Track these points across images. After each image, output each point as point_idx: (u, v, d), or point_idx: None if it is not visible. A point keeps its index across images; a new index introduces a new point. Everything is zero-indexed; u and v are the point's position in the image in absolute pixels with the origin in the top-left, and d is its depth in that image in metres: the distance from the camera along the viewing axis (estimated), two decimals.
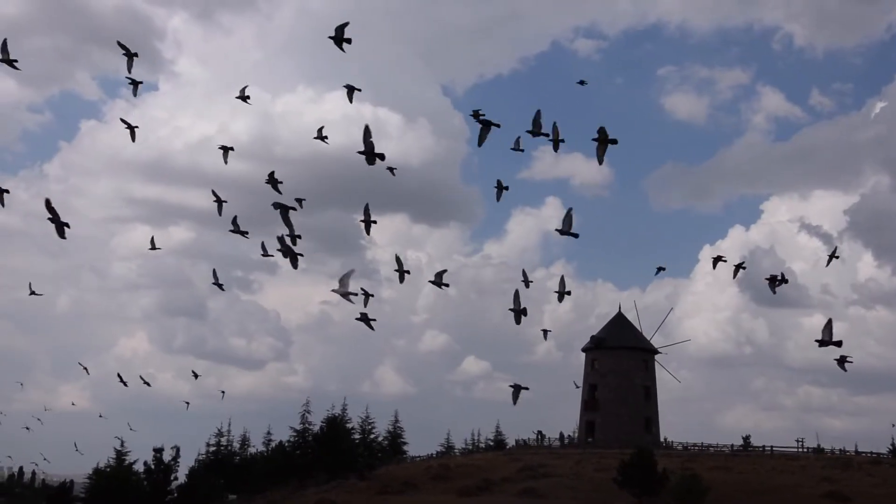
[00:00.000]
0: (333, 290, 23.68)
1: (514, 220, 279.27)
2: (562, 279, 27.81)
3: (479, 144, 24.41)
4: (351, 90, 28.80)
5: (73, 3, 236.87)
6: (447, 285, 28.23)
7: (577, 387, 73.97)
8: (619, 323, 76.55)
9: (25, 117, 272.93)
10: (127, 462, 53.80)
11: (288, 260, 26.48)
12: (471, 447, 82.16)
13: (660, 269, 40.53)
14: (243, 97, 29.85)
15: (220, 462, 67.27)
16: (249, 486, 65.88)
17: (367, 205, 25.46)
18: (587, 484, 50.83)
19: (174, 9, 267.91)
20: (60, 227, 23.81)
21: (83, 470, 69.81)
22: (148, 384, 45.44)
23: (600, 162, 22.45)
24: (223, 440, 72.83)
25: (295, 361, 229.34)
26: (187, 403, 55.69)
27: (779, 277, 29.25)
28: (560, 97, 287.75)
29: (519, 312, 26.17)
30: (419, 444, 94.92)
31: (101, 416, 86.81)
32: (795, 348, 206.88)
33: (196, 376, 42.66)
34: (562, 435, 75.26)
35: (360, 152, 23.33)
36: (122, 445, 54.69)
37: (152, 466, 52.53)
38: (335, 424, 59.93)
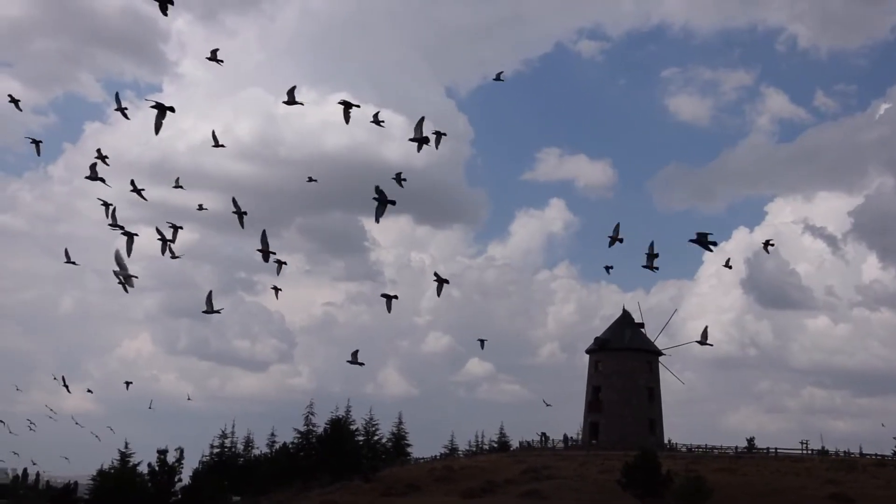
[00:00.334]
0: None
1: (518, 222, 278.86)
2: None
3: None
4: (348, 106, 28.92)
5: (77, 4, 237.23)
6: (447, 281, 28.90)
7: (548, 405, 74.55)
8: (624, 324, 76.46)
9: (29, 119, 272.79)
10: (131, 464, 53.87)
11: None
12: (474, 449, 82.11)
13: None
14: (292, 100, 29.77)
15: (223, 463, 67.34)
16: (253, 487, 65.91)
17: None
18: (591, 485, 50.80)
19: (178, 10, 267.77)
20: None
21: (87, 471, 70.01)
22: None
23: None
24: (227, 442, 72.93)
25: (299, 363, 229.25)
26: (188, 397, 55.80)
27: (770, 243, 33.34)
28: (564, 99, 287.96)
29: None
30: (423, 446, 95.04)
31: (109, 428, 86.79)
32: (800, 350, 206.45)
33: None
34: (566, 437, 75.18)
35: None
36: (126, 447, 54.81)
37: (156, 468, 52.60)
38: (339, 426, 60.01)
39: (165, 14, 20.54)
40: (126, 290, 26.69)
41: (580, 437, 75.34)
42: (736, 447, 65.63)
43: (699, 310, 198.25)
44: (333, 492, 56.36)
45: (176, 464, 53.73)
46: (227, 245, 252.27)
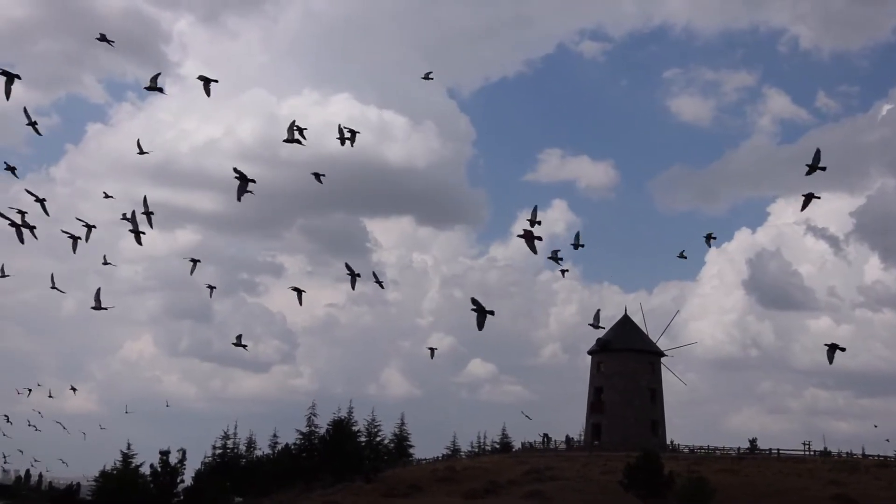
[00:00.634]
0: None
1: (520, 223, 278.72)
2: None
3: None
4: (346, 133, 29.37)
5: (79, 5, 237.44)
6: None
7: (528, 418, 74.71)
8: (626, 325, 76.45)
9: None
10: (133, 465, 53.89)
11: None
12: (477, 450, 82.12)
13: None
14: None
15: (226, 464, 67.33)
16: (256, 488, 65.92)
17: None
18: (593, 486, 50.78)
19: (180, 12, 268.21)
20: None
21: (90, 472, 70.07)
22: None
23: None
24: (229, 443, 72.92)
25: (301, 364, 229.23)
26: (167, 404, 56.12)
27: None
28: (565, 100, 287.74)
29: None
30: (425, 447, 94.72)
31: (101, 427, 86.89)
32: (802, 351, 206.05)
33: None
34: (568, 438, 75.18)
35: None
36: (128, 448, 54.84)
37: (159, 469, 52.62)
38: (341, 427, 59.98)
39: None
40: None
41: (582, 438, 75.34)
42: (738, 448, 65.57)
43: (701, 311, 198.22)
44: (335, 493, 56.37)
45: (178, 465, 53.76)
46: (229, 246, 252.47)
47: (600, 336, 76.11)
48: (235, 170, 25.21)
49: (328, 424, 61.09)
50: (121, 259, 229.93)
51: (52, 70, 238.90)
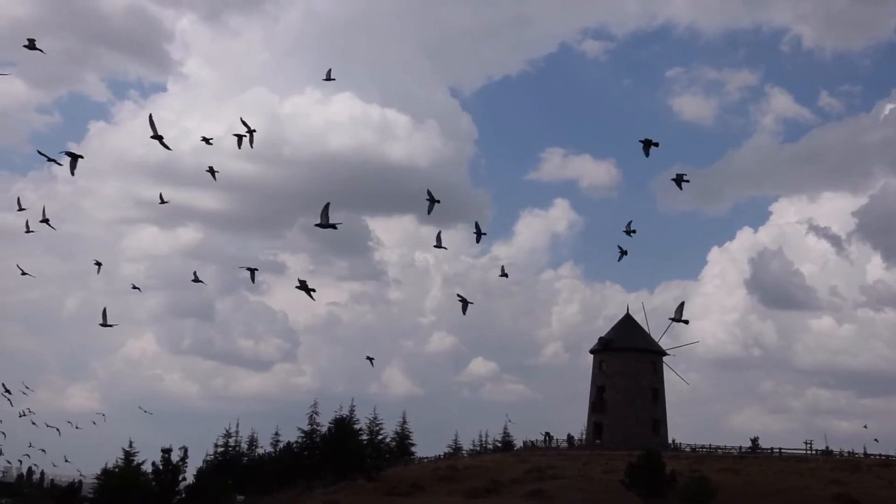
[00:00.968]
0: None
1: (523, 222, 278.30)
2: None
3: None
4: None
5: (81, 4, 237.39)
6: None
7: (510, 421, 74.95)
8: (627, 325, 76.43)
9: (34, 118, 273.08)
10: (135, 462, 53.91)
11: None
12: (478, 448, 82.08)
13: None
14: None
15: (228, 463, 67.38)
16: (257, 486, 65.96)
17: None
18: (595, 485, 50.78)
19: (182, 10, 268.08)
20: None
21: (92, 470, 70.09)
22: None
23: None
24: (231, 441, 72.98)
25: (303, 362, 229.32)
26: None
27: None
28: (568, 99, 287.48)
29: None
30: (427, 446, 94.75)
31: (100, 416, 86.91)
32: (804, 350, 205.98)
33: None
34: (570, 436, 75.15)
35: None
36: (130, 446, 54.87)
37: (160, 467, 52.65)
38: (343, 425, 59.98)
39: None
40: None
41: (584, 437, 75.34)
42: (740, 447, 65.53)
43: (703, 310, 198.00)
44: (337, 491, 56.41)
45: (180, 463, 53.79)
46: (230, 245, 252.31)
47: (602, 335, 76.24)
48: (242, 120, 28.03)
49: (330, 423, 61.11)
50: (123, 258, 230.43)
51: (54, 68, 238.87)
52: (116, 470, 53.47)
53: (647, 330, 76.29)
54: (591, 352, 77.28)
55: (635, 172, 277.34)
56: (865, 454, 62.32)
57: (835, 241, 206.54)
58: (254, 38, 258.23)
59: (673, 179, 27.93)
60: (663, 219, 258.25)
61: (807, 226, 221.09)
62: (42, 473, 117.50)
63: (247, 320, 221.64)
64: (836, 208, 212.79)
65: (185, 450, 55.12)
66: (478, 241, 41.20)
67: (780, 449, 63.02)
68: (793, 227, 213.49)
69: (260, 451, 76.42)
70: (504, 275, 45.59)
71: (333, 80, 36.00)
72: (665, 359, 75.94)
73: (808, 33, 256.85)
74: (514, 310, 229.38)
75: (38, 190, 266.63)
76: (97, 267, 36.25)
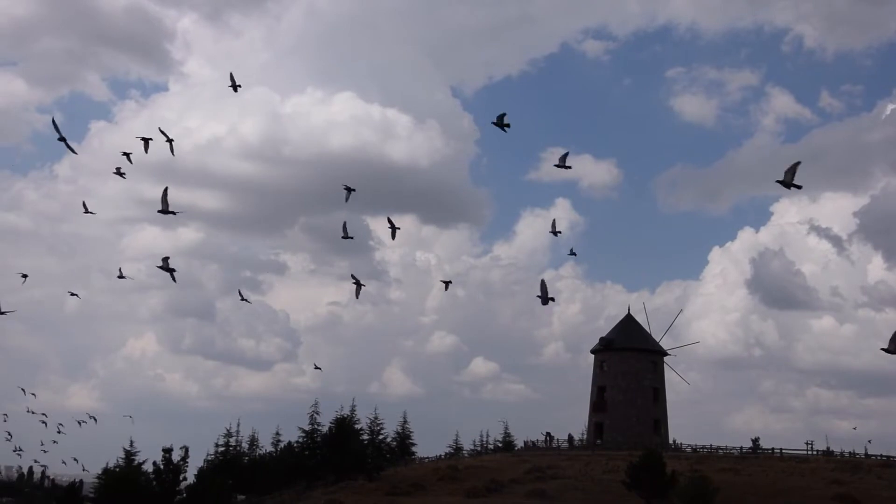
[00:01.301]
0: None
1: (524, 222, 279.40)
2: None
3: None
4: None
5: (83, 3, 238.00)
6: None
7: (502, 421, 74.07)
8: (629, 325, 76.46)
9: (35, 118, 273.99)
10: (136, 462, 53.87)
11: None
12: (479, 448, 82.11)
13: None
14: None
15: (229, 462, 67.36)
16: (258, 486, 65.96)
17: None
18: (596, 485, 50.80)
19: (184, 10, 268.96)
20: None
21: (92, 470, 70.13)
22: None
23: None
24: (232, 440, 73.01)
25: (303, 362, 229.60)
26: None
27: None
28: (569, 99, 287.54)
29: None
30: (428, 446, 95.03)
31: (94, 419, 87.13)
32: (804, 350, 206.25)
33: None
34: (570, 437, 75.16)
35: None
36: (131, 445, 54.82)
37: (161, 467, 52.58)
38: (344, 425, 59.96)
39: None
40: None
41: (585, 437, 75.35)
42: (741, 447, 65.57)
43: (704, 310, 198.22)
44: (338, 491, 56.39)
45: (181, 463, 53.72)
46: (232, 244, 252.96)
47: (603, 335, 76.25)
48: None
49: (331, 423, 61.08)
50: (124, 257, 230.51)
51: (55, 68, 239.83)
52: (117, 470, 53.41)
53: (648, 330, 76.39)
54: (592, 352, 77.33)
55: (636, 172, 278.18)
56: (866, 455, 62.38)
57: (836, 241, 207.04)
58: (255, 38, 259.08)
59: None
60: (664, 219, 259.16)
61: (808, 226, 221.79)
62: (42, 473, 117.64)
63: (247, 320, 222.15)
64: (838, 208, 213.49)
65: (186, 449, 55.06)
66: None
67: (780, 449, 63.09)
68: (794, 228, 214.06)
69: (261, 450, 76.59)
70: (448, 282, 45.83)
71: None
72: (666, 359, 76.03)
73: (810, 33, 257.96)
74: (515, 309, 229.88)
75: (38, 189, 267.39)
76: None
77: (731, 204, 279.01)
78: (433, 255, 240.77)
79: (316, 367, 47.27)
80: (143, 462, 53.78)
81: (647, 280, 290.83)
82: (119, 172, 35.52)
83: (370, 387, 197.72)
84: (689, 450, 67.24)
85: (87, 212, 34.62)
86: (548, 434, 75.70)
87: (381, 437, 64.59)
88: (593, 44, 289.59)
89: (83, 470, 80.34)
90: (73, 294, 41.48)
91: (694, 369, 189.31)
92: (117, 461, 55.06)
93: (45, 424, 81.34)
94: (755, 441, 67.04)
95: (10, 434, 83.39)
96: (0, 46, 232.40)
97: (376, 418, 64.90)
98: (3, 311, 35.83)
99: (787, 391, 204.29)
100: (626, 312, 78.09)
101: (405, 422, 74.75)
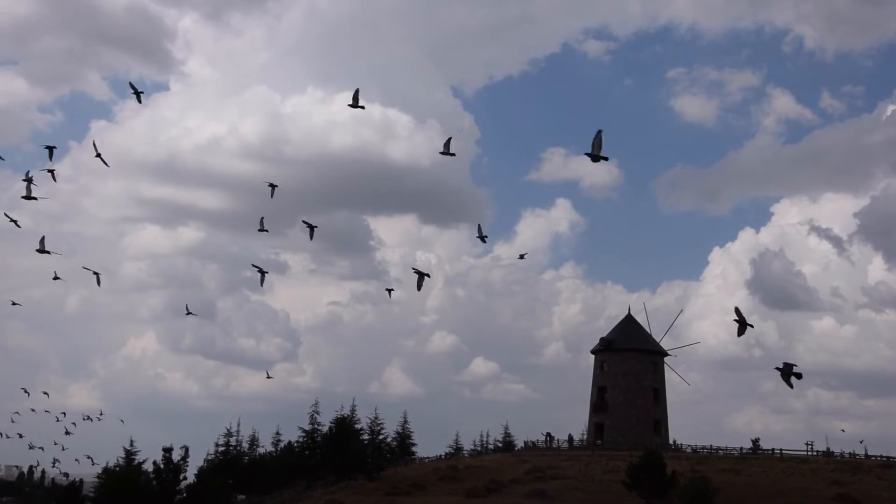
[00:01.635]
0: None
1: (524, 222, 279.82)
2: None
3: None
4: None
5: (83, 3, 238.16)
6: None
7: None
8: (629, 325, 76.45)
9: (35, 117, 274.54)
10: (136, 462, 53.86)
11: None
12: (479, 448, 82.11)
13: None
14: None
15: (229, 462, 67.37)
16: (258, 486, 65.97)
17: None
18: (596, 486, 50.79)
19: (184, 9, 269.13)
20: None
21: (92, 469, 70.09)
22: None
23: None
24: (232, 440, 72.99)
25: (304, 362, 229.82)
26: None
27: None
28: (569, 99, 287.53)
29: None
30: (428, 445, 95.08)
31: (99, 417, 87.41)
32: (805, 351, 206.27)
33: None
34: (570, 437, 75.15)
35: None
36: (131, 445, 54.81)
37: (161, 466, 52.57)
38: (344, 425, 59.95)
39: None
40: None
41: (585, 437, 75.35)
42: (741, 448, 65.57)
43: (705, 310, 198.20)
44: (338, 491, 56.39)
45: (181, 462, 53.70)
46: (232, 244, 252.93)
47: (603, 335, 76.24)
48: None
49: (331, 422, 61.08)
50: (125, 257, 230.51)
51: (56, 67, 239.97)
52: (117, 469, 53.39)
53: (648, 330, 76.38)
54: (593, 352, 77.31)
55: (637, 173, 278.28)
56: (866, 455, 62.36)
57: (836, 242, 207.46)
58: (256, 37, 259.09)
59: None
60: (665, 219, 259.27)
61: (808, 227, 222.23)
62: (43, 472, 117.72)
63: (248, 320, 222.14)
64: (838, 209, 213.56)
65: (186, 449, 55.03)
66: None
67: (781, 450, 63.09)
68: (794, 228, 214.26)
69: (261, 450, 76.57)
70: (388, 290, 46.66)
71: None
72: (666, 359, 76.03)
73: (810, 34, 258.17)
74: (515, 310, 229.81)
75: (38, 188, 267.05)
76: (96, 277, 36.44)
77: (732, 204, 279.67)
78: (433, 255, 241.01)
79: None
80: (144, 461, 53.78)
81: (648, 280, 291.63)
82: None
83: (370, 387, 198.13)
84: (689, 450, 67.25)
85: (97, 155, 34.21)
86: (548, 434, 75.77)
87: (381, 437, 64.60)
88: (594, 44, 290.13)
89: (93, 464, 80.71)
90: (95, 273, 40.85)
91: (694, 370, 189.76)
92: (117, 460, 55.08)
93: (66, 429, 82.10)
94: (755, 442, 67.09)
95: (20, 435, 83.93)
96: (1, 46, 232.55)
97: (376, 418, 64.96)
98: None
99: (788, 392, 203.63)
100: (627, 313, 78.14)
101: (405, 422, 74.83)
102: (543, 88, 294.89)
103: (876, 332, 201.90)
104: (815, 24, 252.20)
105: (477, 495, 50.19)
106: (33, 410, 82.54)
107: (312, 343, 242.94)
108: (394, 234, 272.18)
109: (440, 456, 76.34)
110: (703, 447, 67.65)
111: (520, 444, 78.10)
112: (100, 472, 56.04)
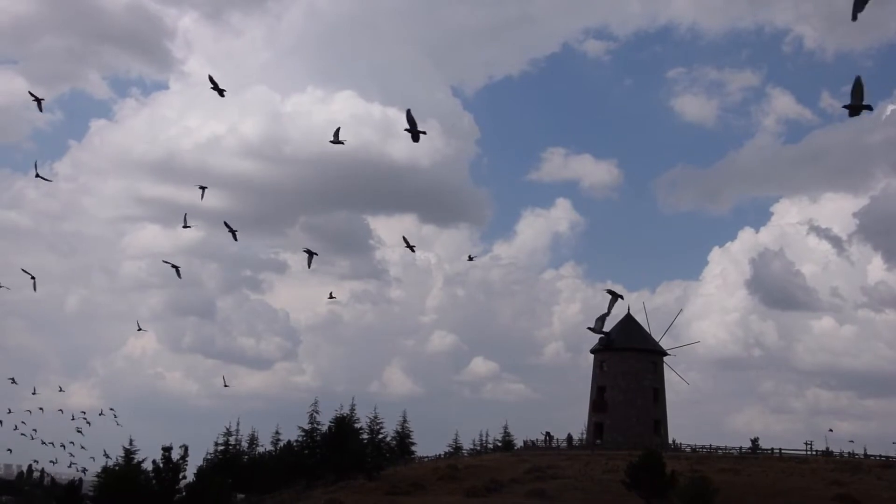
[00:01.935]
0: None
1: (524, 221, 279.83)
2: None
3: None
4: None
5: (83, 2, 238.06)
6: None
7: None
8: (629, 324, 76.38)
9: (35, 116, 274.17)
10: (136, 461, 53.83)
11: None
12: (479, 448, 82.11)
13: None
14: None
15: (228, 461, 67.38)
16: (258, 485, 65.96)
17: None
18: (595, 485, 50.77)
19: (184, 8, 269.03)
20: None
21: (92, 468, 70.14)
22: None
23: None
24: (232, 439, 73.00)
25: (303, 361, 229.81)
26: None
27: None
28: (569, 99, 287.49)
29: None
30: (427, 445, 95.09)
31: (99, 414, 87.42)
32: (804, 351, 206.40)
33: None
34: (570, 436, 75.12)
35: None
36: (130, 444, 54.80)
37: (161, 465, 52.55)
38: (343, 424, 59.95)
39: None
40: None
41: (584, 436, 75.31)
42: (740, 448, 65.52)
43: (704, 310, 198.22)
44: (338, 490, 56.39)
45: (180, 461, 53.67)
46: (232, 243, 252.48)
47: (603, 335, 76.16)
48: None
49: (330, 422, 61.09)
50: (124, 256, 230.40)
51: (55, 66, 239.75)
52: (117, 468, 53.36)
53: (648, 330, 76.33)
54: (592, 351, 77.27)
55: (637, 173, 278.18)
56: (866, 455, 62.33)
57: (836, 241, 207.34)
58: (256, 37, 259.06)
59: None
60: (664, 219, 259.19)
61: (808, 226, 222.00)
62: (42, 471, 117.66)
63: (248, 319, 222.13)
64: (838, 209, 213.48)
65: (186, 448, 55.01)
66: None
67: (780, 449, 63.04)
68: (794, 228, 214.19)
69: (260, 449, 76.60)
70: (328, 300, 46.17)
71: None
72: (666, 359, 75.98)
73: (810, 34, 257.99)
74: (515, 309, 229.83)
75: (38, 187, 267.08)
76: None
77: (732, 204, 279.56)
78: (433, 255, 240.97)
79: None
80: (143, 461, 53.75)
81: (647, 280, 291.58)
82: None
83: (370, 386, 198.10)
84: (688, 450, 67.20)
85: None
86: (547, 434, 75.74)
87: (380, 436, 64.64)
88: (594, 44, 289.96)
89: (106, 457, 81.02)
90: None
91: (694, 369, 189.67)
92: (117, 459, 55.09)
93: (82, 429, 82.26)
94: (755, 441, 67.02)
95: (35, 431, 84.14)
96: (1, 45, 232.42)
97: (376, 417, 65.01)
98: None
99: (787, 392, 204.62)
100: (626, 312, 78.03)
101: (405, 421, 74.91)
102: (543, 88, 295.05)
103: (875, 332, 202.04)
104: (815, 24, 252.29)
105: (476, 495, 50.18)
106: (42, 409, 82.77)
107: (312, 342, 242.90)
108: (393, 234, 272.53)
109: (440, 455, 76.34)
110: (703, 447, 67.61)
111: (519, 443, 78.14)
112: (99, 470, 56.08)
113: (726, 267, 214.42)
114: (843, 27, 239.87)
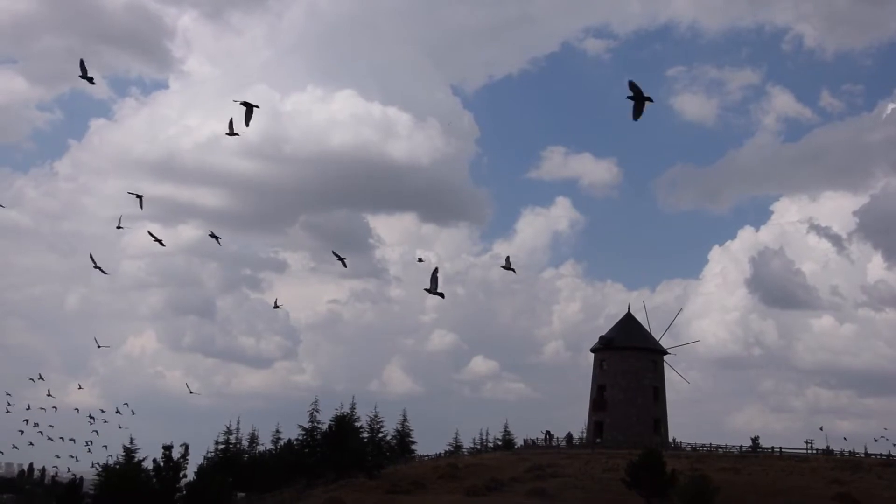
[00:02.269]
0: None
1: (524, 220, 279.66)
2: None
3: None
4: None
5: (83, 2, 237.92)
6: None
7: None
8: (629, 323, 76.40)
9: (35, 115, 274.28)
10: (136, 459, 53.86)
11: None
12: (479, 447, 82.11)
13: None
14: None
15: (229, 460, 67.37)
16: (258, 484, 65.96)
17: None
18: (596, 484, 50.80)
19: (184, 7, 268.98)
20: None
21: (93, 467, 70.09)
22: None
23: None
24: (232, 438, 72.96)
25: (303, 360, 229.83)
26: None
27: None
28: (569, 98, 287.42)
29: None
30: (427, 444, 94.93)
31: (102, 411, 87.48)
32: (804, 350, 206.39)
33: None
34: (570, 435, 75.13)
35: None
36: (131, 442, 54.83)
37: (161, 464, 52.57)
38: (344, 423, 59.96)
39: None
40: None
41: (584, 435, 75.32)
42: (741, 446, 65.51)
43: (704, 309, 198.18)
44: (338, 489, 56.40)
45: (181, 460, 53.69)
46: (232, 242, 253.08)
47: (603, 334, 76.19)
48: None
49: (331, 420, 61.09)
50: (124, 255, 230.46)
51: (55, 65, 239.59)
52: (117, 467, 53.38)
53: (648, 329, 76.35)
54: (592, 350, 77.27)
55: (636, 171, 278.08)
56: (866, 454, 62.34)
57: (836, 240, 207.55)
58: (256, 36, 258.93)
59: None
60: (664, 218, 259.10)
61: (808, 225, 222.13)
62: (43, 470, 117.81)
63: (248, 318, 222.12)
64: (838, 208, 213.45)
65: (186, 447, 55.03)
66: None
67: (780, 448, 63.02)
68: (794, 227, 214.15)
69: (261, 448, 76.53)
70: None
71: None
72: (666, 357, 76.00)
73: (810, 32, 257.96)
74: (515, 308, 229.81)
75: (38, 187, 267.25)
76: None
77: (732, 203, 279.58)
78: (433, 254, 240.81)
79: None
80: (143, 459, 53.77)
81: (648, 279, 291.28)
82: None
83: (370, 385, 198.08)
84: (688, 449, 67.19)
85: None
86: (547, 432, 75.74)
87: (381, 435, 64.64)
88: (594, 43, 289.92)
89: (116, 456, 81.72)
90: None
91: (694, 368, 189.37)
92: (117, 458, 55.11)
93: (92, 424, 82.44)
94: (755, 440, 67.00)
95: (51, 426, 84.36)
96: (1, 44, 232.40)
97: (376, 416, 65.01)
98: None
99: (787, 390, 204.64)
100: (626, 311, 78.08)
101: (405, 420, 74.89)
102: (543, 87, 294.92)
103: (875, 331, 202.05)
104: (815, 23, 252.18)
105: (477, 493, 50.19)
106: (55, 408, 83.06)
107: (312, 341, 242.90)
108: (393, 233, 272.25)
109: (440, 454, 76.34)
110: (703, 445, 67.61)
111: (519, 442, 78.15)
112: (100, 469, 56.13)
113: (726, 266, 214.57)
114: (843, 26, 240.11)
